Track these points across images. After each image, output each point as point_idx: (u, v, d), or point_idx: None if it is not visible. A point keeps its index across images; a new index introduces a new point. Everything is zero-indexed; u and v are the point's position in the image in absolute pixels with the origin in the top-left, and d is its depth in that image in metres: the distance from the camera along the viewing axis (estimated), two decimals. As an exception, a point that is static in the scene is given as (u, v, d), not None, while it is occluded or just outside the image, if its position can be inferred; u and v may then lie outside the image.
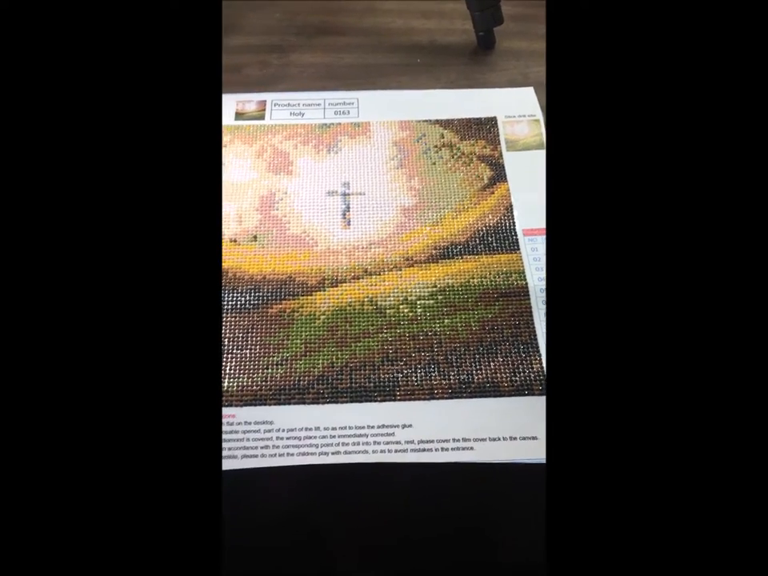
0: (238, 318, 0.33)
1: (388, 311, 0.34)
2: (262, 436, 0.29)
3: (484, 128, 0.42)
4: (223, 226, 0.37)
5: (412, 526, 0.28)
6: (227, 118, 0.42)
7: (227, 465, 0.29)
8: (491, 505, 0.28)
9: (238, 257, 0.36)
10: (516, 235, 0.37)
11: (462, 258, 0.36)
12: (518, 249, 0.36)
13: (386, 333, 0.33)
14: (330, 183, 0.39)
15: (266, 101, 0.43)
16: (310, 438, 0.29)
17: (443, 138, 0.42)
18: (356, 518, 0.28)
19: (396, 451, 0.29)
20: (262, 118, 0.43)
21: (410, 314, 0.34)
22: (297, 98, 0.43)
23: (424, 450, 0.29)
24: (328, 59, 0.46)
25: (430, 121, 0.43)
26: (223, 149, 0.41)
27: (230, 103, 0.43)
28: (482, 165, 0.40)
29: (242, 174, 0.39)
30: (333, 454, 0.29)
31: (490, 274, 0.35)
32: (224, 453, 0.29)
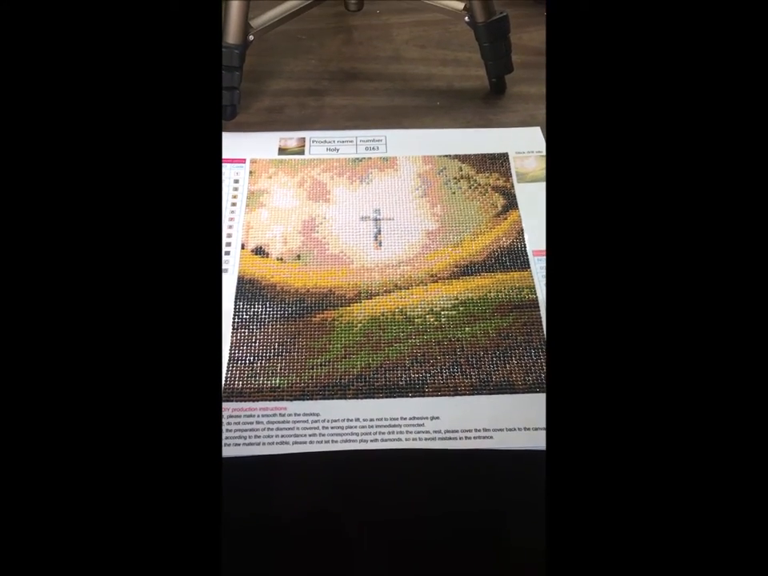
0: (286, 326, 0.38)
1: (416, 320, 0.39)
2: (309, 426, 0.34)
3: (497, 162, 0.48)
4: (272, 247, 0.42)
5: (438, 502, 0.32)
6: (272, 153, 0.48)
7: (281, 450, 0.33)
8: (508, 485, 0.33)
9: (284, 273, 0.41)
10: (527, 255, 0.42)
11: (479, 275, 0.41)
12: (529, 267, 0.41)
13: (414, 339, 0.38)
14: (363, 210, 0.45)
15: (305, 138, 0.49)
16: (351, 427, 0.34)
17: (461, 170, 0.47)
18: (391, 494, 0.32)
19: (425, 439, 0.34)
20: (302, 153, 0.48)
21: (436, 323, 0.39)
22: (332, 136, 0.49)
23: (450, 438, 0.34)
24: (358, 102, 0.52)
25: (450, 156, 0.48)
26: (268, 180, 0.46)
27: (274, 140, 0.49)
28: (496, 194, 0.46)
29: (285, 201, 0.45)
30: (371, 441, 0.34)
31: (504, 288, 0.40)
32: (278, 439, 0.34)
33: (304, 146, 0.49)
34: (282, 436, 0.34)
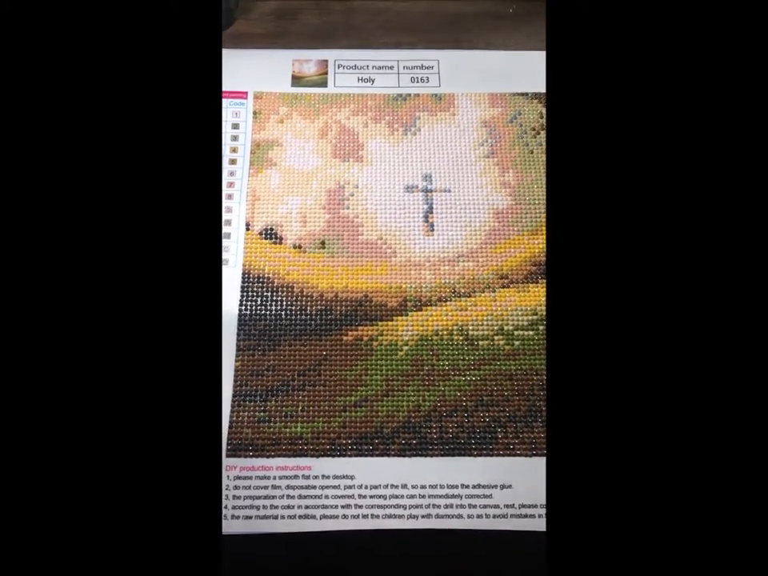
0: (309, 347, 0.29)
1: (480, 343, 0.29)
2: (342, 493, 0.26)
3: (590, 105, 0.35)
4: (286, 229, 0.31)
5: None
6: (283, 84, 0.35)
7: (305, 526, 0.26)
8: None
9: (304, 268, 0.31)
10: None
11: (566, 278, 0.31)
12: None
13: (479, 370, 0.28)
14: (409, 175, 0.33)
15: (327, 61, 0.36)
16: (397, 497, 0.26)
17: (542, 117, 0.35)
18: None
19: (494, 516, 0.26)
20: (324, 84, 0.35)
21: (507, 348, 0.29)
22: (365, 59, 0.36)
23: (526, 515, 0.26)
24: (399, 5, 0.38)
25: (527, 95, 0.35)
26: (279, 125, 0.34)
27: (286, 62, 0.36)
28: (589, 155, 0.34)
29: (303, 159, 0.33)
30: (423, 517, 0.26)
31: (599, 300, 0.30)
32: (301, 512, 0.26)
33: (326, 72, 0.36)
34: (306, 507, 0.26)
